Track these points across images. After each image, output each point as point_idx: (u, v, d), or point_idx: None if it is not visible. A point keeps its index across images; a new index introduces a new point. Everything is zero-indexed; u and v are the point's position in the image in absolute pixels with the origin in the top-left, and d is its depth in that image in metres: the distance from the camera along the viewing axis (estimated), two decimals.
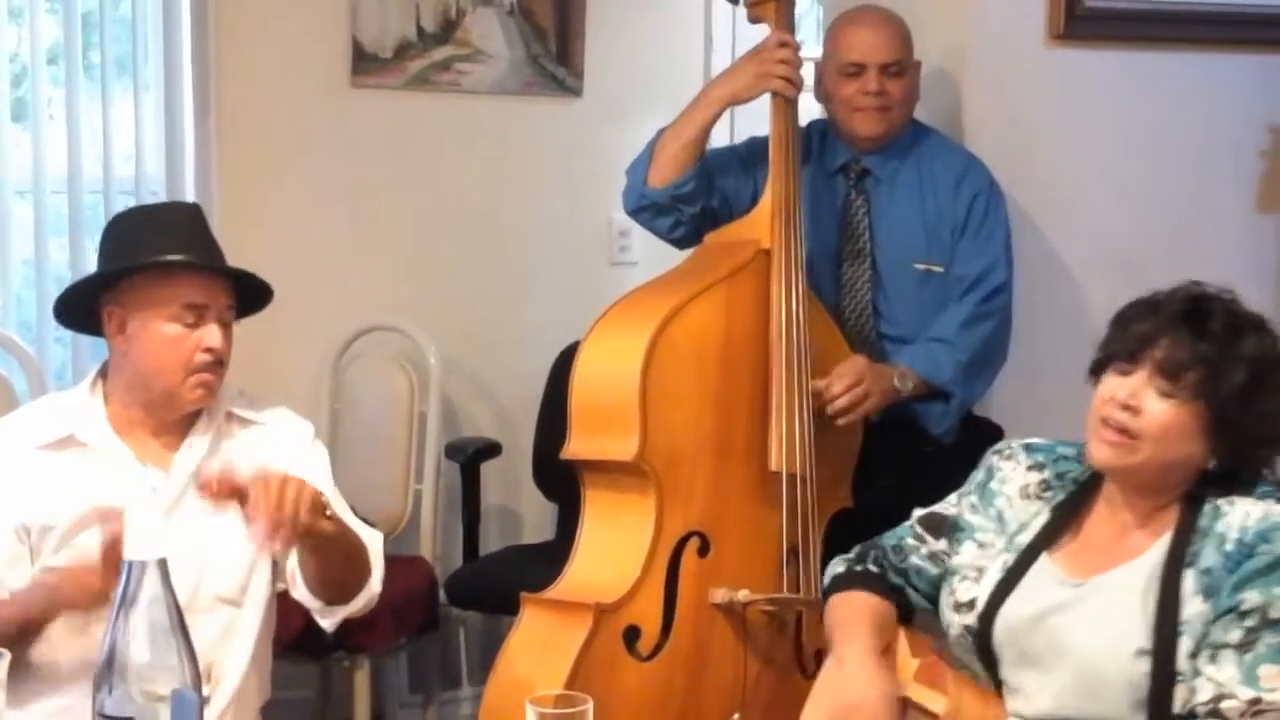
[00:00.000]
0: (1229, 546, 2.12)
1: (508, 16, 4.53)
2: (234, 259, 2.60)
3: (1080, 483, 2.29)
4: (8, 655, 1.87)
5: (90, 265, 3.97)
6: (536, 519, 4.61)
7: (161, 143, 4.26)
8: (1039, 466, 2.33)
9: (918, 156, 3.40)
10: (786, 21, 3.26)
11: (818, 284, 3.24)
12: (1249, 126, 3.87)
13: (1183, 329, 2.15)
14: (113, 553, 2.23)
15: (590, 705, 1.86)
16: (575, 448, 3.07)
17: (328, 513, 2.37)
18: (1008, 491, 2.33)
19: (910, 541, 2.41)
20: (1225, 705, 2.06)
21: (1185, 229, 3.83)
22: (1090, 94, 3.74)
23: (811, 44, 4.17)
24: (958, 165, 3.41)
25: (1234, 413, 2.13)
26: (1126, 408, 2.15)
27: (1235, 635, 2.08)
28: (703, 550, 3.02)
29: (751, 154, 3.38)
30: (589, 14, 4.62)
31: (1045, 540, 2.28)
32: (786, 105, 3.22)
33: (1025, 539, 2.29)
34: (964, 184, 3.37)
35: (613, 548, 3.01)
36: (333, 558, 2.48)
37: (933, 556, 2.39)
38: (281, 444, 2.61)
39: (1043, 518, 2.30)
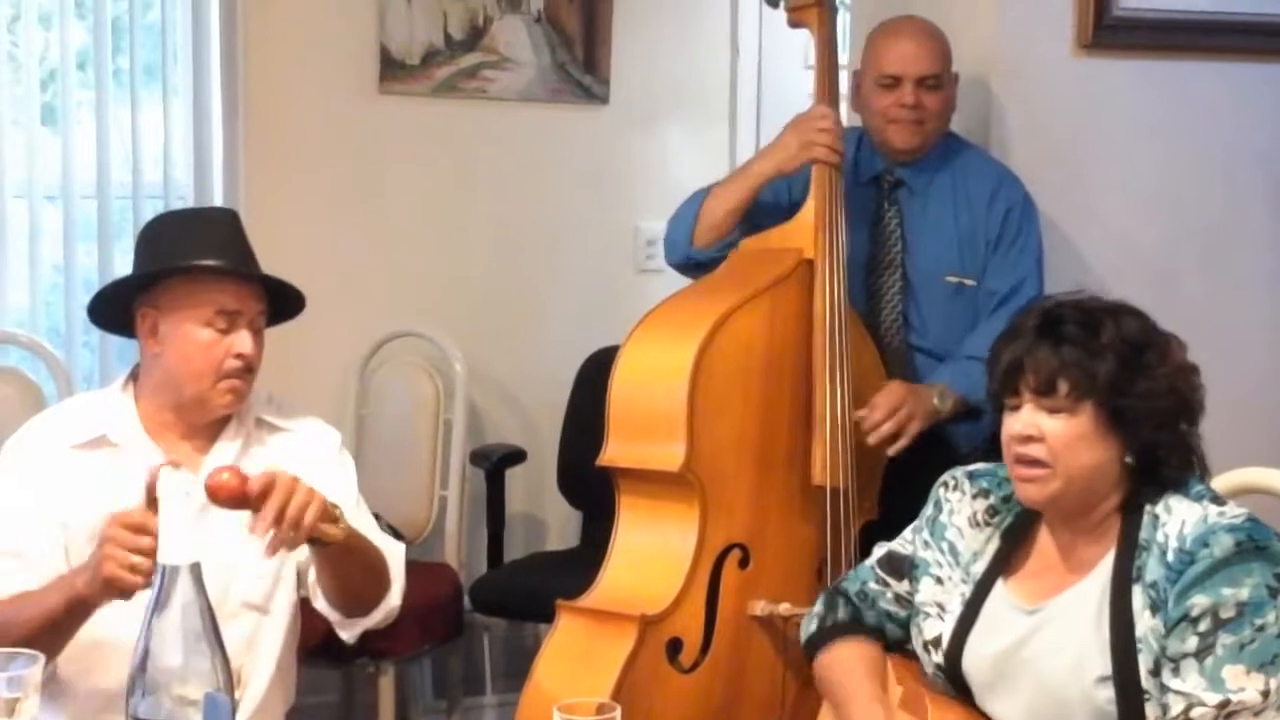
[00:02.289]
0: (1170, 557, 2.13)
1: (535, 24, 4.54)
2: (261, 264, 2.61)
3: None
4: (42, 658, 1.88)
5: (119, 271, 4.00)
6: (561, 526, 4.61)
7: (190, 148, 4.28)
8: (984, 493, 2.35)
9: (952, 169, 3.39)
10: (829, 28, 3.24)
11: (850, 294, 3.23)
12: (1277, 136, 3.86)
13: (1043, 345, 2.18)
14: (153, 490, 2.23)
15: (618, 713, 1.85)
16: (613, 454, 3.04)
17: (340, 524, 2.36)
18: (957, 523, 2.35)
19: (874, 586, 2.43)
20: (1196, 713, 2.06)
21: (1214, 239, 3.82)
22: (1118, 103, 3.72)
23: (839, 50, 4.16)
24: (992, 179, 3.40)
25: (1120, 401, 2.15)
26: (1027, 439, 2.18)
27: (1192, 643, 2.08)
28: (744, 562, 3.01)
29: (790, 196, 3.35)
30: (615, 21, 4.62)
31: (999, 567, 2.30)
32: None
33: (980, 568, 2.31)
34: (998, 198, 3.36)
35: (653, 557, 2.99)
36: (349, 570, 2.48)
37: (899, 599, 2.42)
38: (308, 452, 2.61)
39: (994, 544, 2.32)
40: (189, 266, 2.50)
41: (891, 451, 3.14)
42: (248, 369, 2.51)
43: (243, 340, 2.49)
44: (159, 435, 2.53)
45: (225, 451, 2.55)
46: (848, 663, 2.37)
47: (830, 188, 3.18)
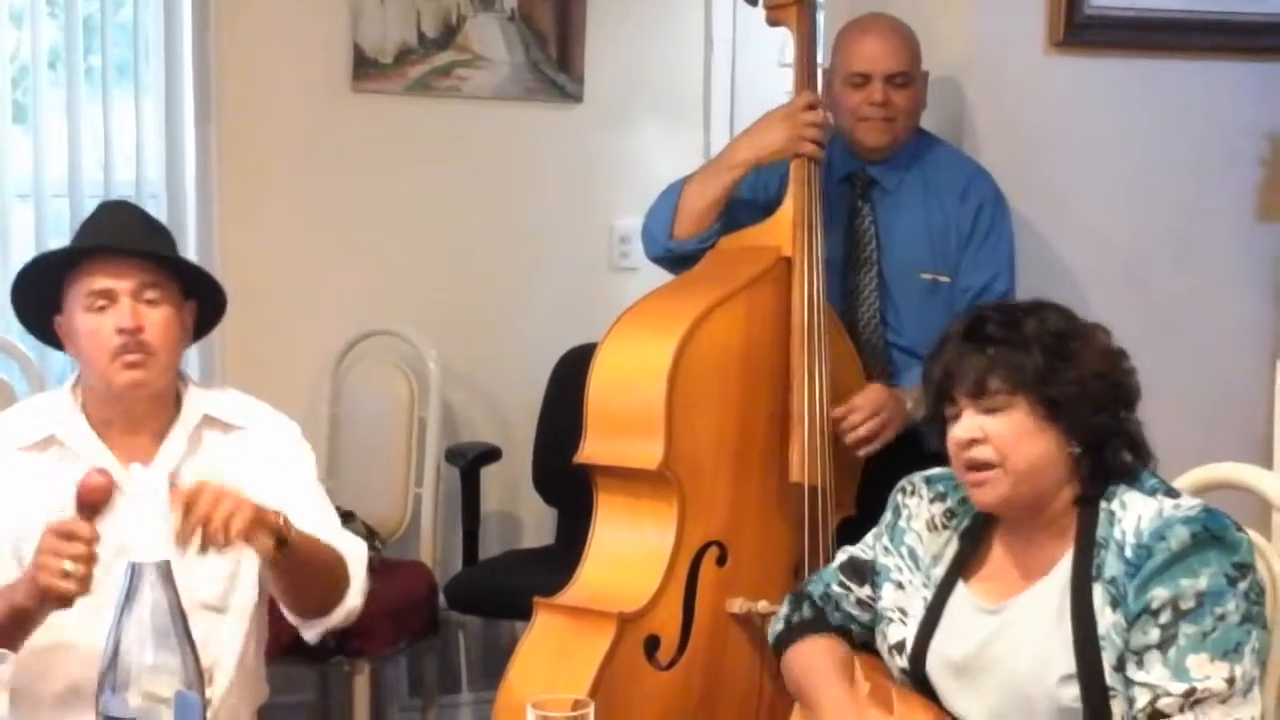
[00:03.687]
0: (1128, 552, 2.14)
1: (508, 22, 4.54)
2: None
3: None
4: (11, 656, 1.87)
5: None
6: (536, 524, 4.62)
7: (162, 147, 4.26)
8: (941, 497, 2.37)
9: (923, 166, 3.39)
10: (808, 26, 3.23)
11: (828, 293, 3.22)
12: (1248, 135, 3.88)
13: (968, 348, 2.21)
14: (86, 497, 2.21)
15: (591, 709, 1.85)
16: (591, 452, 3.04)
17: (287, 535, 2.32)
18: (915, 527, 2.37)
19: (837, 590, 2.45)
20: (1162, 703, 2.08)
21: (1186, 237, 3.83)
22: (1090, 101, 3.74)
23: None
24: (963, 175, 3.40)
25: (1052, 392, 2.18)
26: (971, 442, 2.20)
27: (1154, 635, 2.10)
28: (721, 560, 3.01)
29: (761, 180, 3.34)
30: (589, 20, 4.62)
31: (959, 569, 2.31)
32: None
33: (940, 571, 2.33)
34: (970, 194, 3.36)
35: (631, 555, 2.99)
36: (299, 577, 2.45)
37: (861, 604, 2.43)
38: (263, 447, 2.57)
39: (953, 546, 2.33)
40: (32, 262, 2.52)
41: (863, 453, 3.15)
42: (138, 343, 2.44)
43: (120, 315, 2.44)
44: (105, 434, 2.50)
45: (172, 450, 2.51)
46: (814, 657, 2.39)
47: (809, 185, 3.17)
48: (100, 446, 2.49)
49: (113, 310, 2.45)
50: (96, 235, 2.52)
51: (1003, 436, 2.18)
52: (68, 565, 2.17)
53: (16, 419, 2.58)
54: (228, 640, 2.52)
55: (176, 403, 2.55)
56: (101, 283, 2.45)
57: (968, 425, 2.20)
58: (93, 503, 2.21)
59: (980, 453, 2.19)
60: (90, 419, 2.52)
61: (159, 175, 4.27)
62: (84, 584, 2.18)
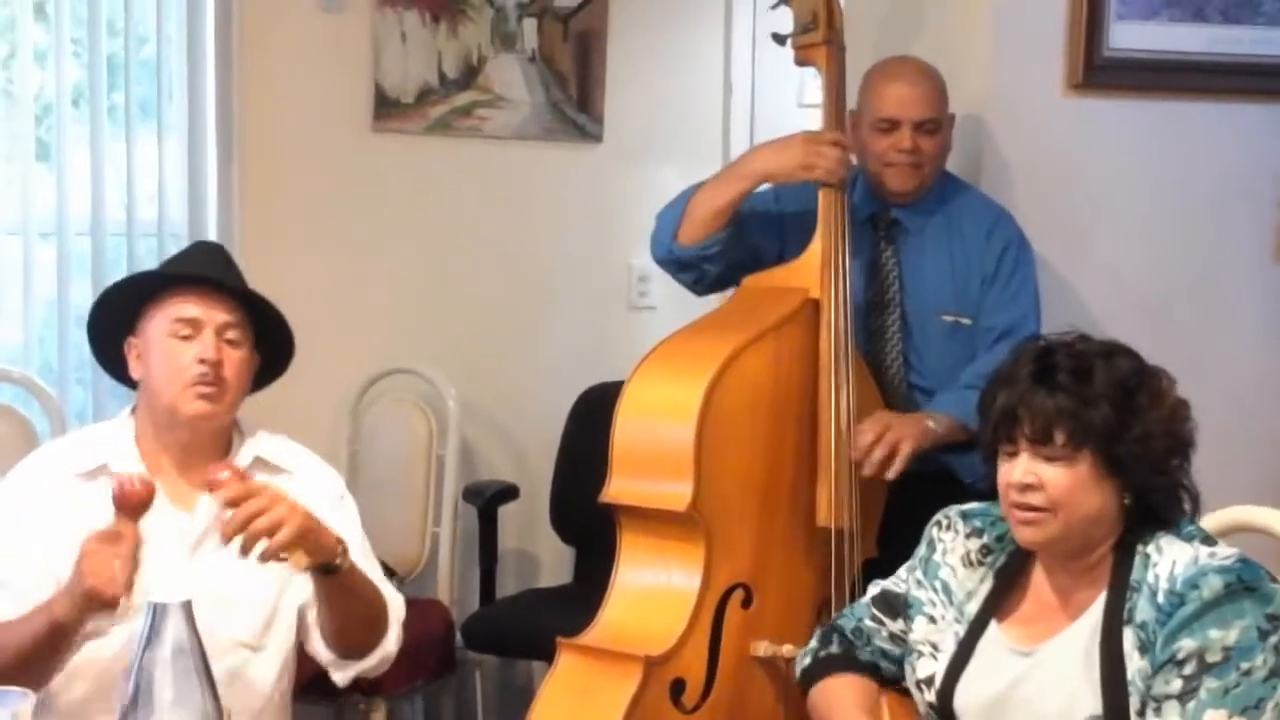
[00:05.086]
0: (1160, 598, 2.13)
1: (529, 63, 4.56)
2: None
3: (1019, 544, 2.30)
4: (33, 696, 1.87)
5: None
6: (554, 562, 4.62)
7: (185, 185, 4.29)
8: (978, 532, 2.35)
9: (947, 209, 3.38)
10: (837, 66, 3.23)
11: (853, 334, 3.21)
12: (1266, 176, 3.87)
13: (1037, 392, 2.18)
14: (122, 499, 2.24)
15: None
16: (617, 491, 3.01)
17: (341, 563, 2.37)
18: (950, 562, 2.36)
19: (869, 624, 2.44)
20: None
21: (1205, 278, 3.83)
22: (1108, 143, 3.74)
23: None
24: (987, 218, 3.39)
25: (1116, 448, 2.16)
26: (1027, 488, 2.18)
27: (1176, 685, 2.09)
28: (746, 602, 2.99)
29: (780, 207, 3.36)
30: (609, 60, 4.65)
31: (992, 607, 2.30)
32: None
33: (974, 608, 2.32)
34: (994, 236, 3.35)
35: (656, 596, 2.96)
36: (349, 608, 2.48)
37: (893, 638, 2.42)
38: (311, 496, 2.56)
39: (988, 584, 2.32)
40: (129, 280, 2.60)
41: (890, 475, 3.10)
42: (217, 376, 2.49)
43: (205, 346, 2.49)
44: (156, 469, 2.51)
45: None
46: (839, 695, 2.38)
47: (837, 225, 3.16)
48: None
49: (196, 340, 2.50)
50: (190, 268, 2.58)
51: (1060, 487, 2.16)
52: (115, 564, 2.20)
53: (76, 445, 2.62)
54: (259, 677, 2.52)
55: (227, 447, 2.59)
56: (192, 311, 2.51)
57: (1026, 469, 2.18)
58: (132, 506, 2.24)
59: (1034, 499, 2.18)
60: (143, 455, 2.54)
61: (181, 214, 4.29)
62: (128, 587, 2.21)
